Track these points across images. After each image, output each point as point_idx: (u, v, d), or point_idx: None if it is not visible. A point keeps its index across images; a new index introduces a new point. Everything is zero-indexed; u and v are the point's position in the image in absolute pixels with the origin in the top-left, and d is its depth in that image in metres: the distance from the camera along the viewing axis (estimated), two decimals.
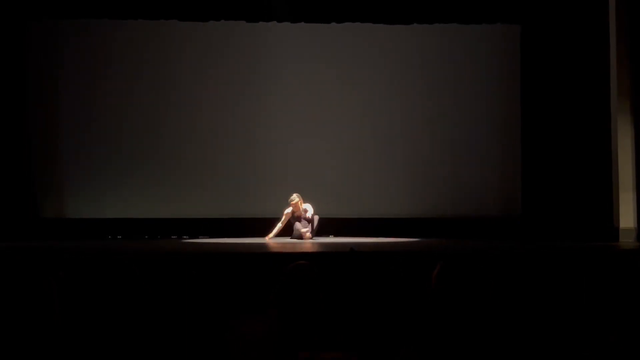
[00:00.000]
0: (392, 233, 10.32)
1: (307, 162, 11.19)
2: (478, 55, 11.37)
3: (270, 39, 11.33)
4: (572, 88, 10.68)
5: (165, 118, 11.21)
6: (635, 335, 2.91)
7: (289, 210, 9.85)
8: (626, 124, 9.58)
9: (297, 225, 9.81)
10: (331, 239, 10.06)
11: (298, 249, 7.59)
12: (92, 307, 3.11)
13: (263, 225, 10.18)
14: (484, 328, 3.05)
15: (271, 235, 9.86)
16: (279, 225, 9.91)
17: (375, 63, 11.42)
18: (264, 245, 8.26)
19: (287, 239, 9.75)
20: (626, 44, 9.59)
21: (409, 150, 11.27)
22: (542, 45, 11.07)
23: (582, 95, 10.55)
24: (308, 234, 9.68)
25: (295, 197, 9.83)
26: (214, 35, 11.31)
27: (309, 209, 9.79)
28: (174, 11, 10.97)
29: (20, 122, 10.82)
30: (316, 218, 9.80)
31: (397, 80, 11.39)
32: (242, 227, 10.24)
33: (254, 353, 3.02)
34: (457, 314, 3.12)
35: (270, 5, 11.00)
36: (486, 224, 10.49)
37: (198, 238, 10.42)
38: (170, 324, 3.21)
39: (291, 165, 11.09)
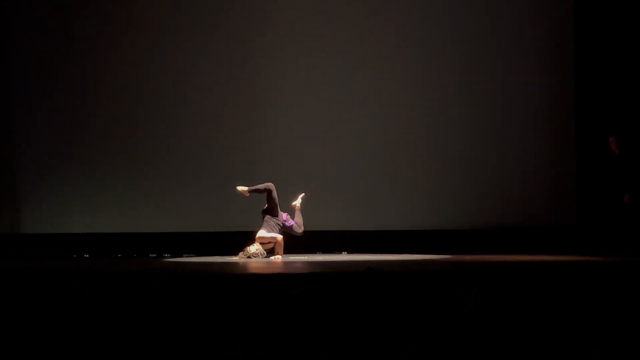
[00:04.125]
0: (420, 249, 9.80)
1: (311, 165, 10.61)
2: (524, 34, 10.77)
3: (268, 14, 10.69)
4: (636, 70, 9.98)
5: (138, 116, 10.59)
6: None
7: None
8: None
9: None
10: (344, 257, 9.64)
11: (302, 270, 7.17)
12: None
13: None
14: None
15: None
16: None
17: (397, 40, 10.72)
18: (262, 266, 7.76)
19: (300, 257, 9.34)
20: None
21: (441, 149, 10.69)
22: (600, 16, 10.33)
23: None
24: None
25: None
26: (198, 9, 10.65)
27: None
28: None
29: None
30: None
31: (427, 61, 10.72)
32: (234, 242, 9.26)
33: None
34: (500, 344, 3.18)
35: None
36: (536, 235, 9.89)
37: (182, 257, 9.91)
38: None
39: (292, 168, 10.48)
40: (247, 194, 9.07)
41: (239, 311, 5.15)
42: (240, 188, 9.07)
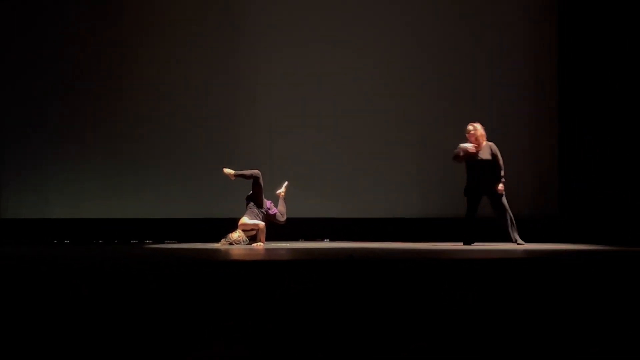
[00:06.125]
0: (402, 236, 9.77)
1: (294, 152, 10.42)
2: (507, 26, 10.65)
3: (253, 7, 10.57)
4: (619, 62, 9.78)
5: (120, 103, 10.41)
6: None
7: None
8: None
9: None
10: (326, 244, 9.41)
11: (283, 257, 6.96)
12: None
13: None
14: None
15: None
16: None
17: (383, 30, 10.59)
18: (248, 253, 7.45)
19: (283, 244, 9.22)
20: None
21: (424, 139, 10.49)
22: (582, 11, 10.22)
23: (631, 72, 9.63)
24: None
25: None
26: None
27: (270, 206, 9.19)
28: None
29: None
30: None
31: (412, 51, 10.59)
32: (216, 229, 9.12)
33: None
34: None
35: None
36: (519, 225, 9.09)
37: (164, 243, 9.79)
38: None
39: (274, 156, 10.30)
40: (233, 178, 8.99)
41: (237, 308, 5.12)
42: (226, 170, 9.01)
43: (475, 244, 8.49)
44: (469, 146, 8.42)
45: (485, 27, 10.58)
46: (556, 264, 5.74)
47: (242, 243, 8.59)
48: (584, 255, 6.59)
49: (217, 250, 7.72)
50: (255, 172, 8.92)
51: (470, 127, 8.54)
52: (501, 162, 8.51)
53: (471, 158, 8.53)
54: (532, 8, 10.64)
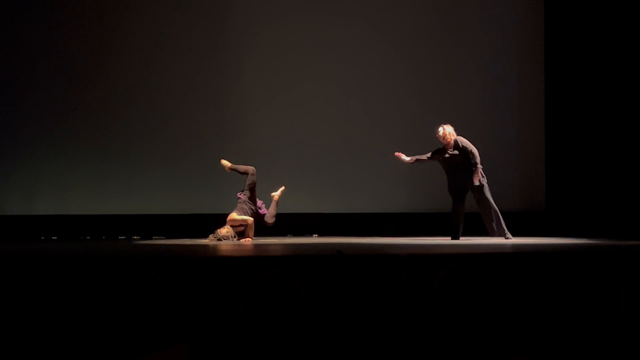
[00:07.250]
0: (390, 231, 9.68)
1: (282, 147, 10.33)
2: (496, 19, 10.66)
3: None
4: (606, 59, 9.78)
5: (106, 97, 10.22)
6: None
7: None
8: None
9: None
10: (314, 239, 9.36)
11: (271, 252, 6.86)
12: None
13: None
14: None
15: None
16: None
17: (372, 23, 10.56)
18: (234, 248, 7.43)
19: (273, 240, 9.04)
20: None
21: (412, 134, 10.22)
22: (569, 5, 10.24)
23: (618, 70, 9.62)
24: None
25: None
26: None
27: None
28: None
29: None
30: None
31: (401, 45, 10.54)
32: (203, 224, 9.12)
33: None
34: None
35: None
36: (506, 220, 9.06)
37: (152, 239, 9.72)
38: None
39: (263, 151, 10.20)
40: (228, 170, 8.97)
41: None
42: (223, 162, 9.01)
43: (462, 239, 8.43)
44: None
45: (473, 19, 10.54)
46: (547, 258, 5.57)
47: (231, 239, 8.51)
48: (574, 250, 6.52)
49: (211, 248, 7.61)
50: (250, 168, 8.87)
51: (439, 129, 8.53)
52: (474, 150, 8.42)
53: (440, 157, 8.54)
54: (520, 6, 10.60)
